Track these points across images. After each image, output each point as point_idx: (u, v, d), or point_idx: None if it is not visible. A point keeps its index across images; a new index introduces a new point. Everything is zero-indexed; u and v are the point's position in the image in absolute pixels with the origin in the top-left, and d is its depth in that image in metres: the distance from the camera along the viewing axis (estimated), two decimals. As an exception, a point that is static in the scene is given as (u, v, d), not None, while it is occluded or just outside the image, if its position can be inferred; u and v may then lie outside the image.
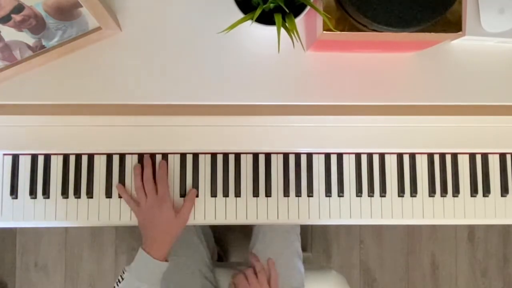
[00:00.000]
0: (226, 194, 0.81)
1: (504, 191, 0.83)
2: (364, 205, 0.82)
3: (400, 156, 0.83)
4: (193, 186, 0.81)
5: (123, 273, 0.76)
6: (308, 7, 0.60)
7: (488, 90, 0.76)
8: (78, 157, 0.81)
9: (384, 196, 0.82)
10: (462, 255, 1.63)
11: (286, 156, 0.82)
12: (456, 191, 0.83)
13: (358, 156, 0.83)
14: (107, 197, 0.81)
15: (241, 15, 0.60)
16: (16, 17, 0.63)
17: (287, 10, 0.57)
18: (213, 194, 0.81)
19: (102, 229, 1.59)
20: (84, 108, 0.75)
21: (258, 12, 0.57)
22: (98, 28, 0.70)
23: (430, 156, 0.83)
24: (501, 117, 0.79)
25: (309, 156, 0.82)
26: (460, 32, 0.59)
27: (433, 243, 1.63)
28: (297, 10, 0.60)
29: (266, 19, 0.60)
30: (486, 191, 0.83)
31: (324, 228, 1.61)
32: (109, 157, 0.81)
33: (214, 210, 0.81)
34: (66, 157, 0.81)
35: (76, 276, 1.58)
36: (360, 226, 1.61)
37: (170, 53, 0.73)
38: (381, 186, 0.82)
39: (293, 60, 0.74)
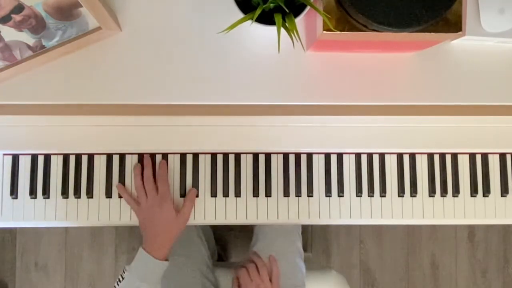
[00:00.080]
0: (226, 194, 0.82)
1: (504, 191, 0.83)
2: (364, 205, 0.82)
3: (400, 156, 0.83)
4: (193, 186, 0.81)
5: (123, 272, 0.76)
6: (308, 7, 0.60)
7: (488, 90, 0.76)
8: (78, 157, 0.81)
9: (384, 196, 0.82)
10: (462, 255, 1.63)
11: (286, 156, 0.82)
12: (456, 191, 0.83)
13: (358, 156, 0.83)
14: (107, 197, 0.81)
15: (241, 15, 0.60)
16: (16, 17, 0.63)
17: (287, 10, 0.57)
18: (213, 194, 0.81)
19: (102, 229, 1.59)
20: (84, 108, 0.75)
21: (258, 12, 0.57)
22: (98, 28, 0.70)
23: (430, 156, 0.83)
24: (501, 117, 0.79)
25: (309, 156, 0.82)
26: (460, 32, 0.59)
27: (433, 243, 1.63)
28: (297, 10, 0.60)
29: (266, 19, 0.60)
30: (486, 191, 0.83)
31: (324, 228, 1.61)
32: (109, 157, 0.81)
33: (214, 210, 0.81)
34: (66, 157, 0.81)
35: (76, 276, 1.58)
36: (360, 226, 1.61)
37: (170, 53, 0.73)
38: (381, 186, 0.82)
39: (293, 60, 0.74)
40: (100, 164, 0.81)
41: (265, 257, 0.91)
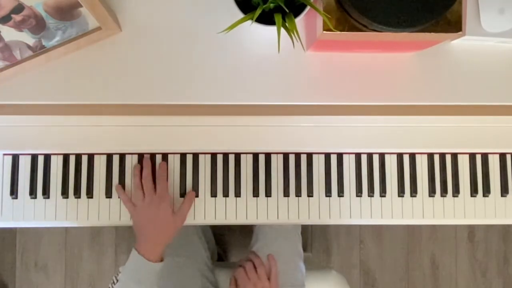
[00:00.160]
0: (226, 194, 0.82)
1: (504, 191, 0.83)
2: (364, 205, 0.82)
3: (400, 156, 0.83)
4: (193, 186, 0.81)
5: (118, 274, 0.76)
6: (308, 7, 0.60)
7: (488, 90, 0.76)
8: (78, 157, 0.81)
9: (384, 196, 0.82)
10: (462, 255, 1.63)
11: (286, 156, 0.82)
12: (456, 191, 0.83)
13: (358, 156, 0.83)
14: (107, 197, 0.81)
15: (241, 15, 0.60)
16: (16, 17, 0.63)
17: (287, 10, 0.57)
18: (213, 194, 0.81)
19: (102, 229, 1.59)
20: (84, 108, 0.75)
21: (258, 12, 0.57)
22: (98, 28, 0.70)
23: (430, 156, 0.83)
24: (501, 117, 0.79)
25: (309, 156, 0.82)
26: (460, 32, 0.59)
27: (433, 243, 1.63)
28: (297, 10, 0.60)
29: (266, 19, 0.60)
30: (486, 191, 0.83)
31: (324, 228, 1.61)
32: (109, 157, 0.81)
33: (214, 210, 0.81)
34: (66, 157, 0.81)
35: (76, 276, 1.58)
36: (360, 226, 1.61)
37: (170, 53, 0.73)
38: (381, 186, 0.82)
39: (293, 60, 0.74)
40: (100, 164, 0.81)
41: (264, 256, 0.91)
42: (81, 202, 0.81)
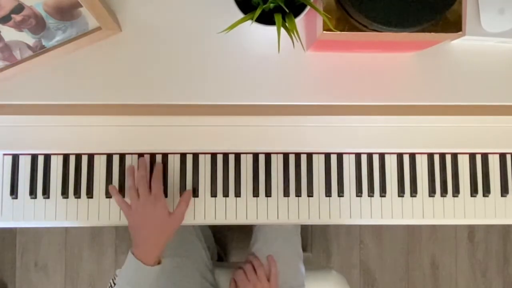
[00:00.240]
0: (226, 194, 0.82)
1: (504, 191, 0.83)
2: (364, 205, 0.82)
3: (400, 156, 0.83)
4: (193, 186, 0.81)
5: (114, 278, 0.75)
6: (308, 7, 0.60)
7: (488, 90, 0.76)
8: (78, 157, 0.81)
9: (384, 196, 0.82)
10: (462, 255, 1.63)
11: (286, 156, 0.82)
12: (456, 191, 0.83)
13: (358, 156, 0.83)
14: (107, 197, 0.81)
15: (241, 15, 0.60)
16: (16, 17, 0.63)
17: (287, 10, 0.57)
18: (213, 194, 0.81)
19: (102, 229, 1.59)
20: (84, 108, 0.75)
21: (258, 12, 0.57)
22: (98, 28, 0.70)
23: (430, 156, 0.83)
24: (501, 117, 0.79)
25: (309, 156, 0.82)
26: (460, 32, 0.59)
27: (433, 243, 1.63)
28: (297, 10, 0.60)
29: (266, 19, 0.60)
30: (486, 191, 0.83)
31: (324, 228, 1.61)
32: (109, 157, 0.81)
33: (214, 210, 0.81)
34: (66, 157, 0.81)
35: (76, 276, 1.58)
36: (360, 226, 1.61)
37: (170, 53, 0.74)
38: (381, 186, 0.82)
39: (293, 60, 0.74)
40: (100, 164, 0.81)
41: (263, 257, 0.91)
42: (81, 202, 0.81)
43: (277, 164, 0.82)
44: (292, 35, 0.58)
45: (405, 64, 0.75)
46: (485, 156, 0.84)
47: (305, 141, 0.79)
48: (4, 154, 0.81)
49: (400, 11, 0.55)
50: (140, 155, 0.81)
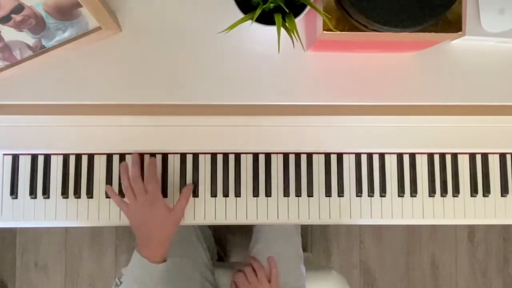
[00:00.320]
0: (226, 194, 0.82)
1: (504, 191, 0.83)
2: (364, 205, 0.82)
3: (400, 156, 0.83)
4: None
5: (121, 276, 0.75)
6: (308, 7, 0.60)
7: (488, 90, 0.76)
8: (78, 157, 0.81)
9: (384, 196, 0.82)
10: (462, 255, 1.63)
11: (286, 156, 0.82)
12: (456, 191, 0.83)
13: (358, 156, 0.83)
14: (107, 197, 0.81)
15: (241, 15, 0.60)
16: (16, 17, 0.63)
17: (287, 10, 0.57)
18: (213, 194, 0.81)
19: (102, 229, 1.59)
20: (84, 108, 0.75)
21: (258, 12, 0.57)
22: (98, 28, 0.70)
23: (430, 156, 0.83)
24: (501, 117, 0.79)
25: (309, 156, 0.82)
26: (460, 32, 0.59)
27: (433, 243, 1.63)
28: (297, 10, 0.60)
29: (266, 19, 0.60)
30: (486, 191, 0.83)
31: (324, 228, 1.61)
32: (109, 157, 0.81)
33: (214, 210, 0.81)
34: (66, 157, 0.81)
35: (76, 276, 1.58)
36: (360, 226, 1.61)
37: (170, 53, 0.74)
38: (381, 186, 0.82)
39: (293, 60, 0.74)
40: (100, 164, 0.81)
41: (264, 258, 0.91)
42: (81, 202, 0.81)
43: (277, 164, 0.82)
44: (292, 35, 0.58)
45: (405, 64, 0.75)
46: (485, 156, 0.84)
47: (305, 141, 0.79)
48: (4, 154, 0.81)
49: (400, 11, 0.55)
50: (140, 155, 0.81)
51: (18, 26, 0.65)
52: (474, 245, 1.63)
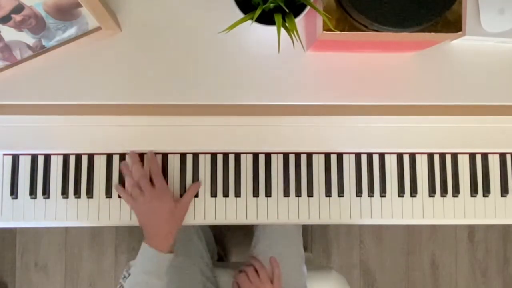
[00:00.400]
0: (226, 194, 0.82)
1: (504, 191, 0.83)
2: (364, 205, 0.82)
3: (400, 156, 0.83)
4: (193, 186, 0.81)
5: (129, 268, 0.76)
6: (308, 7, 0.60)
7: (488, 90, 0.76)
8: (78, 157, 0.81)
9: (384, 196, 0.82)
10: (462, 255, 1.63)
11: (286, 156, 0.82)
12: (456, 191, 0.83)
13: (358, 156, 0.83)
14: (107, 197, 0.81)
15: (241, 15, 0.60)
16: (16, 17, 0.63)
17: (287, 10, 0.57)
18: (213, 194, 0.81)
19: (102, 229, 1.59)
20: (84, 108, 0.75)
21: (258, 12, 0.57)
22: (98, 28, 0.70)
23: (430, 156, 0.83)
24: (501, 117, 0.79)
25: (309, 156, 0.82)
26: (460, 32, 0.59)
27: (433, 243, 1.63)
28: (297, 10, 0.60)
29: (266, 19, 0.60)
30: (486, 191, 0.83)
31: (324, 228, 1.61)
32: (109, 157, 0.81)
33: (214, 210, 0.81)
34: (66, 157, 0.81)
35: (76, 276, 1.58)
36: (360, 226, 1.61)
37: (170, 53, 0.74)
38: (381, 186, 0.82)
39: (293, 60, 0.74)
40: (100, 164, 0.81)
41: (266, 259, 0.91)
42: (81, 202, 0.81)
43: (277, 164, 0.82)
44: (292, 35, 0.58)
45: (405, 64, 0.75)
46: (485, 156, 0.84)
47: (305, 141, 0.79)
48: (4, 154, 0.81)
49: (400, 11, 0.55)
50: (140, 155, 0.81)
51: (18, 26, 0.65)
52: (474, 245, 1.63)
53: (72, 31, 0.70)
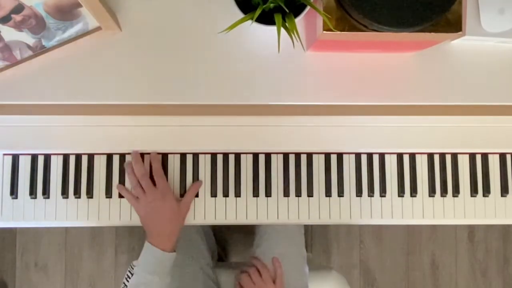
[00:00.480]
0: (226, 194, 0.82)
1: (504, 191, 0.83)
2: (364, 205, 0.82)
3: (400, 156, 0.83)
4: (193, 186, 0.81)
5: (132, 268, 0.76)
6: (308, 7, 0.60)
7: (488, 90, 0.76)
8: (78, 157, 0.81)
9: (384, 196, 0.82)
10: (462, 255, 1.63)
11: (286, 156, 0.82)
12: (456, 191, 0.83)
13: (358, 156, 0.83)
14: (107, 197, 0.81)
15: (241, 15, 0.60)
16: (16, 17, 0.63)
17: (287, 10, 0.57)
18: (213, 194, 0.81)
19: (102, 229, 1.59)
20: (84, 108, 0.75)
21: (258, 12, 0.57)
22: (98, 28, 0.70)
23: (430, 156, 0.83)
24: (501, 117, 0.79)
25: (309, 156, 0.82)
26: (460, 32, 0.59)
27: (433, 243, 1.63)
28: (297, 10, 0.60)
29: (266, 19, 0.60)
30: (486, 191, 0.83)
31: (324, 228, 1.61)
32: (109, 157, 0.81)
33: (214, 210, 0.81)
34: (66, 157, 0.81)
35: (76, 276, 1.58)
36: (360, 226, 1.61)
37: (170, 54, 0.74)
38: (381, 186, 0.82)
39: (293, 60, 0.74)
40: (100, 164, 0.81)
41: (268, 259, 0.91)
42: (81, 202, 0.81)
43: (277, 164, 0.82)
44: (292, 35, 0.58)
45: (405, 64, 0.75)
46: (485, 156, 0.84)
47: (305, 141, 0.79)
48: (4, 154, 0.81)
49: (400, 11, 0.55)
50: (141, 155, 0.81)
51: (18, 26, 0.65)
52: (474, 245, 1.63)
53: (72, 31, 0.70)
